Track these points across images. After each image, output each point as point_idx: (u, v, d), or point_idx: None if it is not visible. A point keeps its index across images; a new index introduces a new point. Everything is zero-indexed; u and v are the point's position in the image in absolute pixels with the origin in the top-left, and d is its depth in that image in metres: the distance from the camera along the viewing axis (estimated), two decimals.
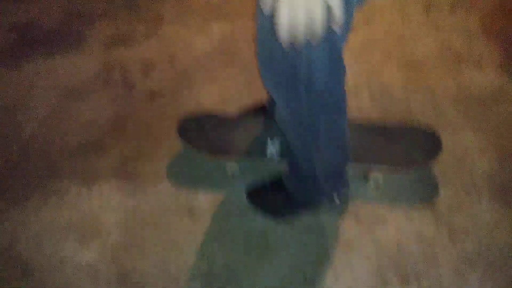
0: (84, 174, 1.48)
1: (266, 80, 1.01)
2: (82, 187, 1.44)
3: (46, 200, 1.41)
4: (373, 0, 1.05)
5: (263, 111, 1.52)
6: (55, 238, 1.32)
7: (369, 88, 1.73)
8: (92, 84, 1.78)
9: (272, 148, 1.40)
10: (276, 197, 1.35)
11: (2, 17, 2.10)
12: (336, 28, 0.79)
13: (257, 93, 1.71)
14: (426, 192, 1.41)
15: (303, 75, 0.91)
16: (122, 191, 1.43)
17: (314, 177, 1.21)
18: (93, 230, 1.34)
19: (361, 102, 1.67)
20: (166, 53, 1.89)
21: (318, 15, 0.71)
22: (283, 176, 1.33)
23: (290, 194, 1.31)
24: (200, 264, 1.26)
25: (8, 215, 1.37)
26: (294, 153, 1.19)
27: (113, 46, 1.93)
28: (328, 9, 0.71)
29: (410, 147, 1.41)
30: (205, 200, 1.40)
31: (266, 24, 0.86)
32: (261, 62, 0.98)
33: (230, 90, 1.75)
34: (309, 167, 1.18)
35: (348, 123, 1.13)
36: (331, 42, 0.86)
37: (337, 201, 1.33)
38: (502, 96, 1.69)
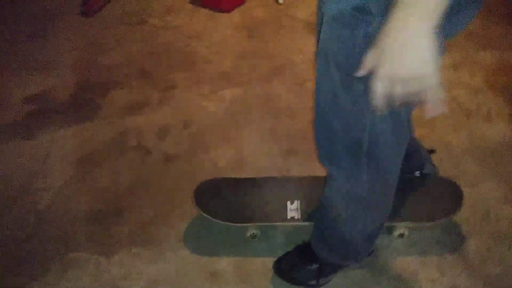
0: (102, 243, 1.44)
1: (325, 155, 1.00)
2: (101, 257, 1.40)
3: (65, 273, 1.36)
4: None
5: None
6: None
7: None
8: (108, 151, 1.79)
9: (293, 210, 1.38)
10: (305, 267, 1.29)
11: (17, 89, 2.15)
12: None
13: (273, 154, 1.72)
14: (455, 244, 1.38)
15: (367, 148, 0.89)
16: (142, 258, 1.39)
17: (355, 243, 1.18)
18: None
19: None
20: (180, 119, 1.93)
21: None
22: (313, 245, 1.28)
23: (322, 261, 1.27)
24: None
25: None
26: (333, 224, 1.15)
27: (127, 114, 1.97)
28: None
29: (433, 200, 1.40)
30: (227, 264, 1.37)
31: (340, 92, 0.85)
32: (320, 136, 0.97)
33: (245, 151, 1.76)
34: (350, 234, 1.15)
35: None
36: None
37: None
38: None
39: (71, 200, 1.59)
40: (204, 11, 2.67)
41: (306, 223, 1.33)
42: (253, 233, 1.39)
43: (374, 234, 1.19)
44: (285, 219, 1.36)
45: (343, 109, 0.87)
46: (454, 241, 1.39)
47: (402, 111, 0.86)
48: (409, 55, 0.63)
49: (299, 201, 1.39)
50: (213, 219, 1.37)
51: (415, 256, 1.35)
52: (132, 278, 1.33)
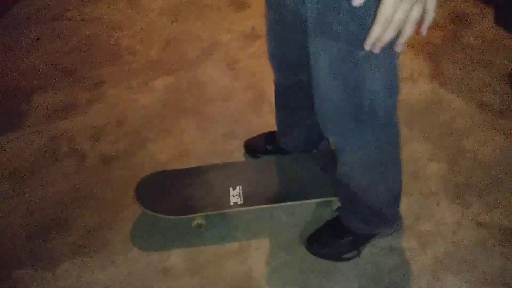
0: (46, 257, 1.40)
1: (331, 130, 1.04)
2: (46, 272, 1.36)
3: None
4: None
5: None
6: None
7: None
8: (39, 161, 1.71)
9: (236, 196, 1.40)
10: (339, 241, 1.33)
11: None
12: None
13: (213, 140, 1.73)
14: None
15: (367, 109, 0.93)
16: (90, 267, 1.37)
17: (381, 209, 1.22)
18: None
19: None
20: (113, 116, 1.87)
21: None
22: (342, 220, 1.32)
23: (355, 233, 1.31)
24: None
25: None
26: (357, 196, 1.19)
27: (56, 118, 1.89)
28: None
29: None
30: (177, 258, 1.38)
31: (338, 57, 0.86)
32: (324, 112, 1.00)
33: (184, 140, 1.75)
34: (376, 200, 1.19)
35: None
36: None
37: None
38: (440, 105, 1.81)
39: (7, 217, 1.53)
40: None
41: (250, 207, 1.36)
42: (199, 223, 1.41)
43: (398, 193, 1.23)
44: (228, 205, 1.38)
45: (342, 79, 0.88)
46: None
47: (393, 61, 0.89)
48: None
49: (240, 186, 1.41)
50: (157, 215, 1.37)
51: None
52: None
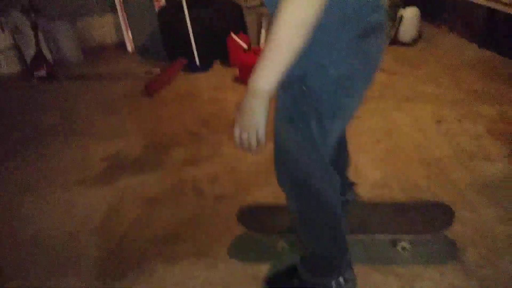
0: (168, 257, 1.81)
1: (281, 180, 1.36)
2: (168, 266, 1.76)
3: (141, 278, 1.73)
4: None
5: None
6: None
7: (398, 182, 2.07)
8: (169, 194, 2.21)
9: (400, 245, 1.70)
10: (290, 284, 1.57)
11: (96, 152, 2.67)
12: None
13: None
14: (455, 254, 1.65)
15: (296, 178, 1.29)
16: (199, 266, 1.74)
17: (318, 262, 1.48)
18: None
19: (392, 193, 2.00)
20: (228, 167, 2.35)
21: None
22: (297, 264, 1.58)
23: (302, 279, 1.54)
24: None
25: None
26: (301, 237, 1.47)
27: (185, 167, 2.42)
28: None
29: (428, 218, 1.71)
30: (265, 269, 1.69)
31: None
32: (277, 165, 1.35)
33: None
34: (312, 253, 1.47)
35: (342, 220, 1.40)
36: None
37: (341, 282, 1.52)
38: None
39: (143, 228, 1.99)
40: (244, 87, 3.20)
41: None
42: (283, 247, 1.73)
43: (335, 259, 1.46)
44: None
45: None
46: (454, 251, 1.66)
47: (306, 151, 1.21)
48: (249, 116, 1.03)
49: None
50: (250, 231, 1.73)
51: (419, 263, 1.63)
52: (190, 281, 1.68)
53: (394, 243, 1.70)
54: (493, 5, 3.23)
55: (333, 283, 1.50)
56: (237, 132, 1.05)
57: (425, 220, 1.72)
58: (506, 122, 2.43)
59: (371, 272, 1.62)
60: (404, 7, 3.63)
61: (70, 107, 3.35)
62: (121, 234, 1.97)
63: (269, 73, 0.96)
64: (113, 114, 3.15)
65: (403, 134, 2.46)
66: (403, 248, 1.68)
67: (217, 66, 3.76)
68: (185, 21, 3.48)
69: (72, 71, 4.04)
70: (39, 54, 3.95)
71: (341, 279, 1.51)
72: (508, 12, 3.10)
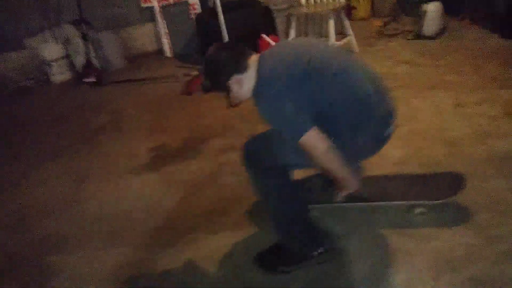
0: (211, 229, 2.06)
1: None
2: (211, 235, 2.02)
3: (188, 246, 2.00)
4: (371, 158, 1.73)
5: None
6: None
7: (417, 159, 2.25)
8: (210, 176, 2.47)
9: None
10: (274, 258, 1.77)
11: (143, 145, 2.98)
12: None
13: None
14: (466, 217, 1.82)
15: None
16: (239, 235, 1.98)
17: (293, 234, 1.73)
18: None
19: (411, 168, 2.19)
20: None
21: None
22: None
23: (286, 250, 1.75)
24: None
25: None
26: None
27: (222, 153, 2.68)
28: None
29: (443, 186, 1.90)
30: None
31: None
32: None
33: None
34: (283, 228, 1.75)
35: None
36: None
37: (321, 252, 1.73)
38: None
39: (191, 205, 2.26)
40: None
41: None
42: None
43: (303, 226, 1.73)
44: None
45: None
46: (466, 215, 1.83)
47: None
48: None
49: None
50: None
51: (434, 226, 1.82)
52: (231, 247, 1.93)
53: (410, 209, 1.89)
54: None
55: (313, 253, 1.73)
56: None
57: (440, 188, 1.90)
58: None
59: (388, 234, 1.82)
60: (427, 2, 3.79)
61: (117, 108, 3.71)
62: (169, 211, 2.26)
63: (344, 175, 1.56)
64: (156, 112, 3.47)
65: (424, 118, 2.63)
66: (421, 213, 1.87)
67: None
68: (220, 25, 3.78)
69: (117, 77, 4.42)
70: (88, 62, 4.36)
71: (320, 249, 1.73)
72: None
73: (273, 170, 1.64)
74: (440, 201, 1.84)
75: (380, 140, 1.63)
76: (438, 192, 1.88)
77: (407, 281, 1.59)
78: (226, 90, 1.61)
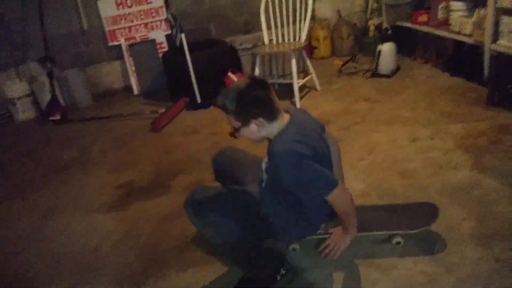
0: (181, 264, 2.09)
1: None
2: (181, 272, 2.04)
3: (162, 283, 2.01)
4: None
5: None
6: None
7: (377, 192, 2.38)
8: (179, 212, 2.49)
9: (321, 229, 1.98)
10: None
11: (111, 180, 2.99)
12: None
13: None
14: (426, 246, 1.94)
15: None
16: (207, 270, 2.02)
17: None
18: None
19: (372, 200, 2.31)
20: None
21: None
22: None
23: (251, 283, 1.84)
24: None
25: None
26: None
27: (190, 188, 2.71)
28: None
29: (417, 215, 2.01)
30: None
31: None
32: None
33: None
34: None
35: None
36: None
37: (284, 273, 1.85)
38: (476, 185, 2.30)
39: (160, 240, 2.28)
40: None
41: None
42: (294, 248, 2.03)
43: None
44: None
45: None
46: (426, 244, 1.95)
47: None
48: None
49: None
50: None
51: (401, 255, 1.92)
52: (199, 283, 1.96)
53: (388, 239, 1.97)
54: (457, 37, 3.66)
55: (278, 276, 1.83)
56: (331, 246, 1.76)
57: (415, 218, 2.00)
58: (472, 137, 2.76)
59: (357, 264, 1.91)
60: (381, 43, 4.06)
61: (84, 145, 3.71)
62: (138, 247, 2.27)
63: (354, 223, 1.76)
64: (124, 148, 3.50)
65: (383, 151, 2.79)
66: (397, 242, 1.95)
67: None
68: (187, 64, 3.89)
69: (84, 114, 4.41)
70: (53, 100, 4.35)
71: (283, 271, 1.83)
72: (469, 42, 3.51)
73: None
74: (417, 230, 1.93)
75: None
76: (415, 222, 1.98)
77: None
78: (243, 123, 1.64)
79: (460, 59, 3.70)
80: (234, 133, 1.69)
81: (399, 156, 2.71)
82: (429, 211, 2.02)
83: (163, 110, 4.03)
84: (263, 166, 1.81)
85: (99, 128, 4.03)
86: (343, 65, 4.42)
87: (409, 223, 1.97)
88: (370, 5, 4.87)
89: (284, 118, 1.68)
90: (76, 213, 2.69)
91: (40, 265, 2.25)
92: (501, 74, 3.09)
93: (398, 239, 1.96)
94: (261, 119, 1.62)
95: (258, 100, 1.62)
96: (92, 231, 2.48)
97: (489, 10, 3.21)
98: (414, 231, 1.92)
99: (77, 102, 4.66)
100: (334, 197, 1.63)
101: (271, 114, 1.63)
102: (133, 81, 4.79)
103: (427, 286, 1.74)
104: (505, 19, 3.13)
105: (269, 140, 1.69)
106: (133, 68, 4.76)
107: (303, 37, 3.79)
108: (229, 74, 3.99)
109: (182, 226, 2.36)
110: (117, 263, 2.17)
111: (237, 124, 1.65)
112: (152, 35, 4.74)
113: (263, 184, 1.80)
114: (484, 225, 2.01)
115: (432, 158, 2.62)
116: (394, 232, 1.96)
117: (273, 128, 1.65)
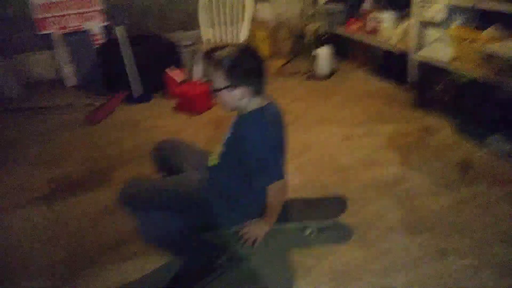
0: (115, 259, 2.04)
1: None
2: (115, 266, 2.00)
3: (92, 278, 1.95)
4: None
5: None
6: None
7: (311, 186, 2.49)
8: (113, 208, 2.39)
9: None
10: (185, 279, 1.85)
11: (42, 175, 2.85)
12: None
13: None
14: (355, 234, 2.07)
15: None
16: (148, 262, 2.00)
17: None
18: None
19: (306, 194, 2.40)
20: None
21: None
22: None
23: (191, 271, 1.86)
24: None
25: None
26: None
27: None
28: None
29: (329, 208, 2.14)
30: None
31: None
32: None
33: None
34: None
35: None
36: None
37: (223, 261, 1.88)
38: (403, 180, 2.48)
39: (97, 234, 2.21)
40: (182, 115, 3.57)
41: None
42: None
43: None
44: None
45: None
46: (358, 233, 2.08)
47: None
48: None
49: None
50: None
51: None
52: (137, 274, 1.93)
53: (303, 230, 2.09)
54: (384, 46, 3.92)
55: (218, 262, 1.87)
56: (248, 234, 1.78)
57: (327, 210, 2.13)
58: (400, 136, 2.98)
59: (290, 253, 1.98)
60: (318, 48, 4.22)
61: (11, 138, 3.48)
62: (73, 241, 2.19)
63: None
64: (56, 142, 3.34)
65: (317, 149, 2.92)
66: (310, 233, 2.07)
67: (157, 98, 4.08)
68: (124, 57, 3.80)
69: (11, 105, 4.14)
70: None
71: (222, 259, 1.88)
72: (395, 51, 3.78)
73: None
74: (328, 221, 2.07)
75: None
76: (326, 213, 2.11)
77: None
78: (230, 85, 1.61)
79: (390, 65, 3.95)
80: (212, 93, 1.68)
81: (332, 153, 2.85)
82: (340, 204, 2.14)
83: (100, 102, 3.90)
84: (224, 138, 1.79)
85: (28, 120, 3.81)
86: (282, 65, 4.55)
87: (321, 215, 2.11)
88: (306, 11, 5.06)
89: (264, 100, 1.72)
90: (3, 209, 2.53)
91: None
92: (425, 80, 3.35)
93: (310, 230, 2.08)
94: (249, 89, 1.63)
95: (256, 70, 1.64)
96: (21, 228, 2.35)
97: (413, 22, 3.48)
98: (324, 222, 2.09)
99: (4, 92, 4.36)
100: (275, 189, 1.69)
101: (259, 89, 1.67)
102: (67, 72, 4.58)
103: (359, 269, 1.86)
104: (427, 31, 3.42)
105: (240, 113, 1.72)
106: (67, 58, 4.54)
107: (242, 37, 3.85)
108: (168, 71, 3.95)
109: (118, 220, 2.31)
110: (46, 259, 2.08)
111: (222, 84, 1.61)
112: (86, 25, 4.56)
113: (217, 160, 1.78)
114: (411, 216, 2.18)
115: (364, 155, 2.79)
116: (307, 223, 2.08)
117: (251, 103, 1.68)
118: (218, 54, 1.61)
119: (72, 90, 4.53)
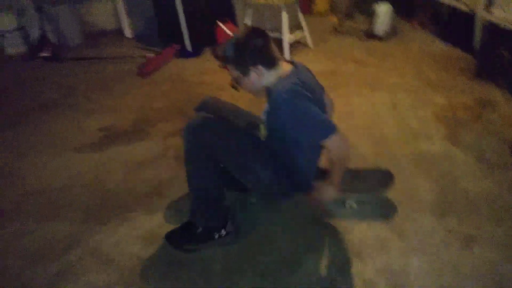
0: (147, 209, 2.15)
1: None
2: (147, 216, 2.11)
3: (124, 224, 2.08)
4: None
5: None
6: None
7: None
8: (154, 159, 2.55)
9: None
10: (182, 236, 1.88)
11: (92, 122, 3.02)
12: None
13: None
14: (384, 212, 2.00)
15: None
16: (173, 218, 2.09)
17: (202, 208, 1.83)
18: None
19: None
20: None
21: None
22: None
23: (191, 231, 1.86)
24: None
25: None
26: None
27: (169, 137, 2.76)
28: None
29: (373, 181, 2.06)
30: None
31: None
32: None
33: None
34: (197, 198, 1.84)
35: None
36: None
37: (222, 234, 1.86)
38: (447, 158, 2.33)
39: (131, 184, 2.34)
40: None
41: None
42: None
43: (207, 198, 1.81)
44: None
45: None
46: (385, 210, 2.01)
47: None
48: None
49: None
50: None
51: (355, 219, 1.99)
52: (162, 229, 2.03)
53: (342, 202, 2.04)
54: (452, 3, 3.56)
55: (216, 235, 1.85)
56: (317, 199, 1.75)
57: (371, 183, 2.06)
58: (451, 109, 2.77)
59: (308, 225, 1.97)
60: (378, 3, 3.95)
61: (71, 84, 3.70)
62: (109, 189, 2.33)
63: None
64: (108, 92, 3.50)
65: (361, 115, 2.81)
66: (351, 206, 2.02)
67: (207, 52, 4.09)
68: (177, 8, 3.80)
69: (73, 53, 4.37)
70: (43, 36, 4.29)
71: (223, 231, 1.86)
72: (463, 10, 3.43)
73: (208, 152, 1.71)
74: (370, 194, 2.00)
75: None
76: (369, 186, 2.04)
77: (315, 267, 1.76)
78: (243, 72, 1.66)
79: (455, 26, 3.63)
80: (233, 84, 1.73)
81: (376, 122, 2.73)
82: (386, 178, 2.07)
83: (152, 54, 3.99)
84: (263, 116, 1.78)
85: (87, 69, 4.00)
86: (339, 23, 4.34)
87: (364, 188, 2.03)
88: None
89: (285, 67, 1.70)
90: (53, 151, 2.72)
91: (8, 200, 2.31)
92: (492, 46, 3.04)
93: (352, 203, 2.02)
94: (260, 67, 1.64)
95: (256, 48, 1.64)
96: (66, 170, 2.52)
97: None
98: (367, 196, 2.01)
99: (67, 40, 4.60)
100: (333, 143, 1.59)
101: (269, 61, 1.66)
102: (125, 23, 4.70)
103: (377, 250, 1.81)
104: None
105: (269, 90, 1.69)
106: (125, 9, 4.64)
107: None
108: (220, 23, 3.90)
109: (155, 172, 2.42)
110: (86, 203, 2.23)
111: (237, 74, 1.68)
112: None
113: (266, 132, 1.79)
114: (445, 198, 2.06)
115: (408, 126, 2.64)
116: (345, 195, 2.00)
117: (272, 76, 1.68)
118: (220, 48, 1.64)
119: (130, 41, 4.66)
